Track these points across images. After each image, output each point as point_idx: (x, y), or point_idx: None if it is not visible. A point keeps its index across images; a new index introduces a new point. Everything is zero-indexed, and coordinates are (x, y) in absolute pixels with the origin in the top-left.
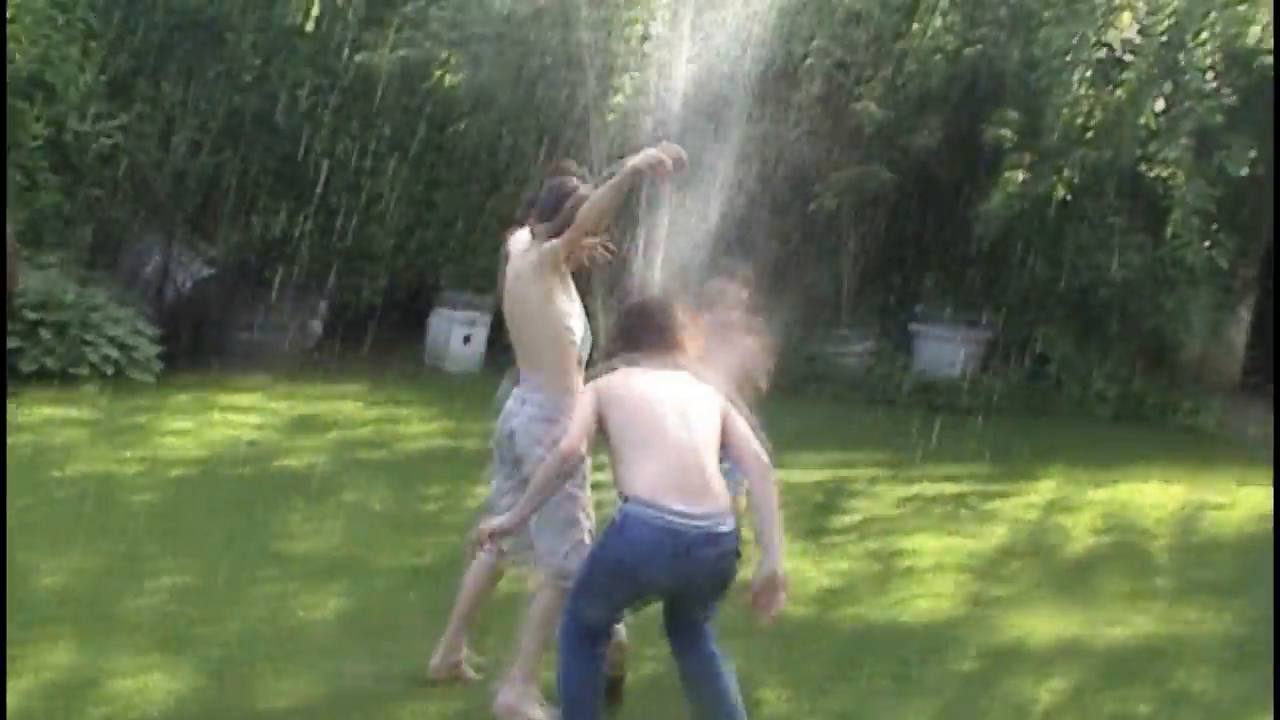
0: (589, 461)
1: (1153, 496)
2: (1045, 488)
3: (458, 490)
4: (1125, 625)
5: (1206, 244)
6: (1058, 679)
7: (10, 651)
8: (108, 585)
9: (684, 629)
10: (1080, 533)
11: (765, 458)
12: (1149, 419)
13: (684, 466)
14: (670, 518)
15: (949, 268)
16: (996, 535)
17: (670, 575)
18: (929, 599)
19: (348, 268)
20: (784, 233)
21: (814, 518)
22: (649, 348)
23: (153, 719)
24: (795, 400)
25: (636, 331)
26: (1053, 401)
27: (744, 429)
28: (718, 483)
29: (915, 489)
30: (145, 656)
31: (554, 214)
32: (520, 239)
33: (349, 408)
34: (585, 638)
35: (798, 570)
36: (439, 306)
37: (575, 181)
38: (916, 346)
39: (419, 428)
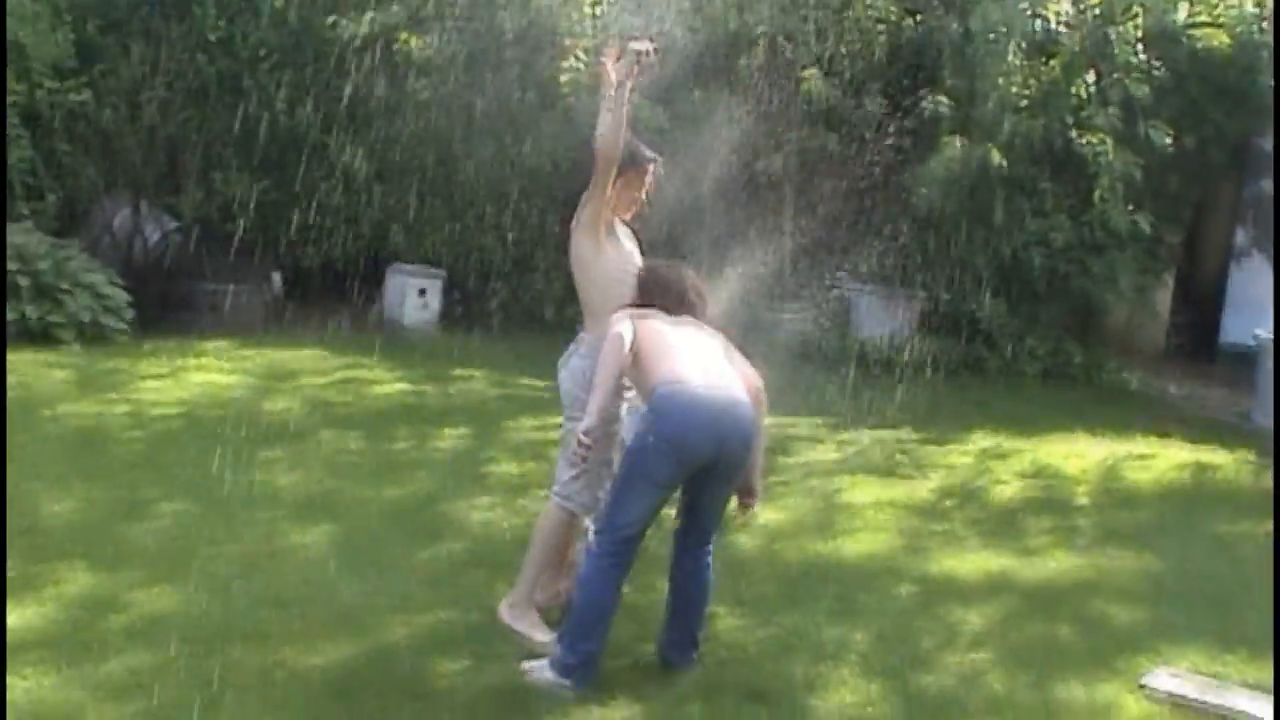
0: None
1: (1078, 448)
2: (977, 440)
3: (423, 438)
4: (1050, 560)
5: (1130, 208)
6: (987, 607)
7: (31, 572)
8: (112, 516)
9: (694, 534)
10: (1009, 479)
11: (762, 393)
12: (1076, 378)
13: (705, 366)
14: (698, 389)
15: (888, 235)
16: (931, 481)
17: (711, 438)
18: (868, 535)
19: (308, 227)
20: (728, 201)
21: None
22: (662, 309)
23: (168, 627)
24: None
25: (652, 295)
26: (986, 362)
27: (746, 366)
28: (735, 375)
29: (854, 442)
30: (155, 576)
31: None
32: None
33: (312, 361)
34: (615, 558)
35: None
36: (397, 264)
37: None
38: (856, 312)
39: (383, 383)
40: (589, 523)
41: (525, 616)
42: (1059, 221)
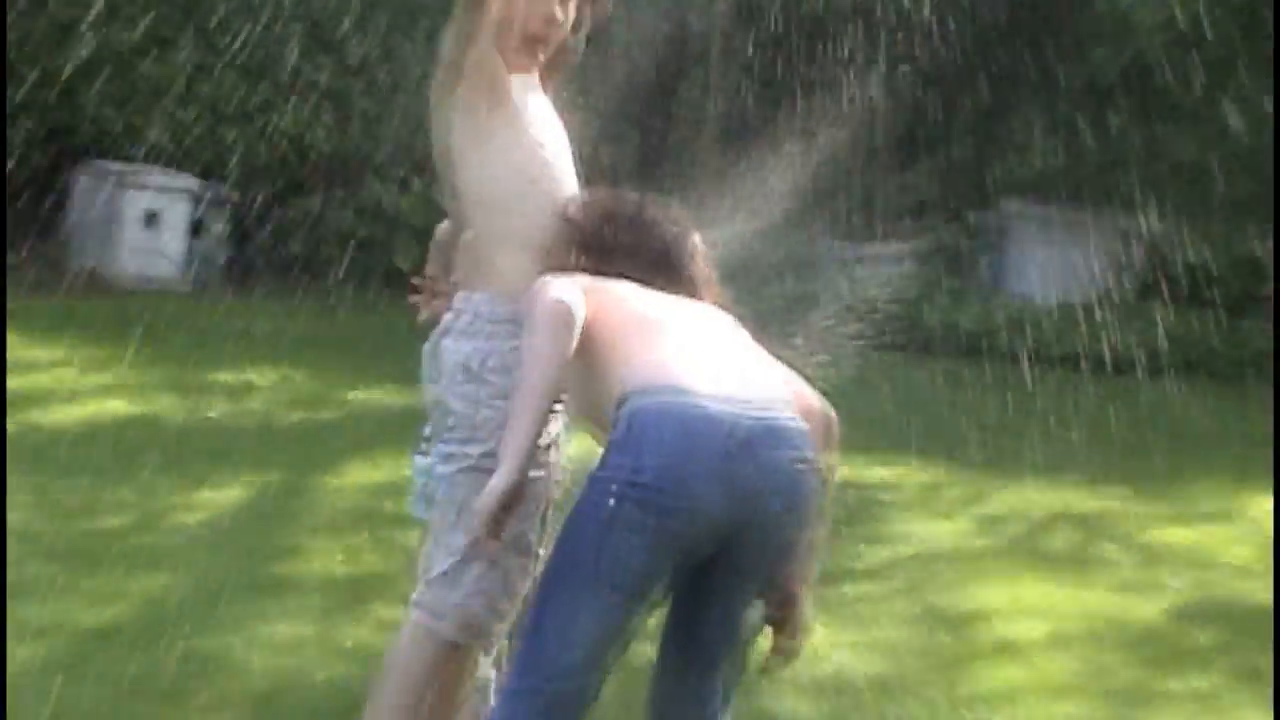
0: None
1: None
2: (1252, 504)
3: (161, 510)
4: None
5: None
6: None
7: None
8: None
9: (693, 679)
10: None
11: (832, 423)
12: None
13: (716, 364)
14: (706, 402)
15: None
16: (1166, 588)
17: (730, 494)
18: (1042, 697)
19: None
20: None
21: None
22: (639, 274)
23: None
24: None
25: (603, 253)
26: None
27: (797, 380)
28: (769, 375)
29: (1008, 510)
30: None
31: None
32: None
33: None
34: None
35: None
36: (98, 160)
37: None
38: (1011, 255)
39: (82, 395)
40: (488, 668)
41: None
42: None
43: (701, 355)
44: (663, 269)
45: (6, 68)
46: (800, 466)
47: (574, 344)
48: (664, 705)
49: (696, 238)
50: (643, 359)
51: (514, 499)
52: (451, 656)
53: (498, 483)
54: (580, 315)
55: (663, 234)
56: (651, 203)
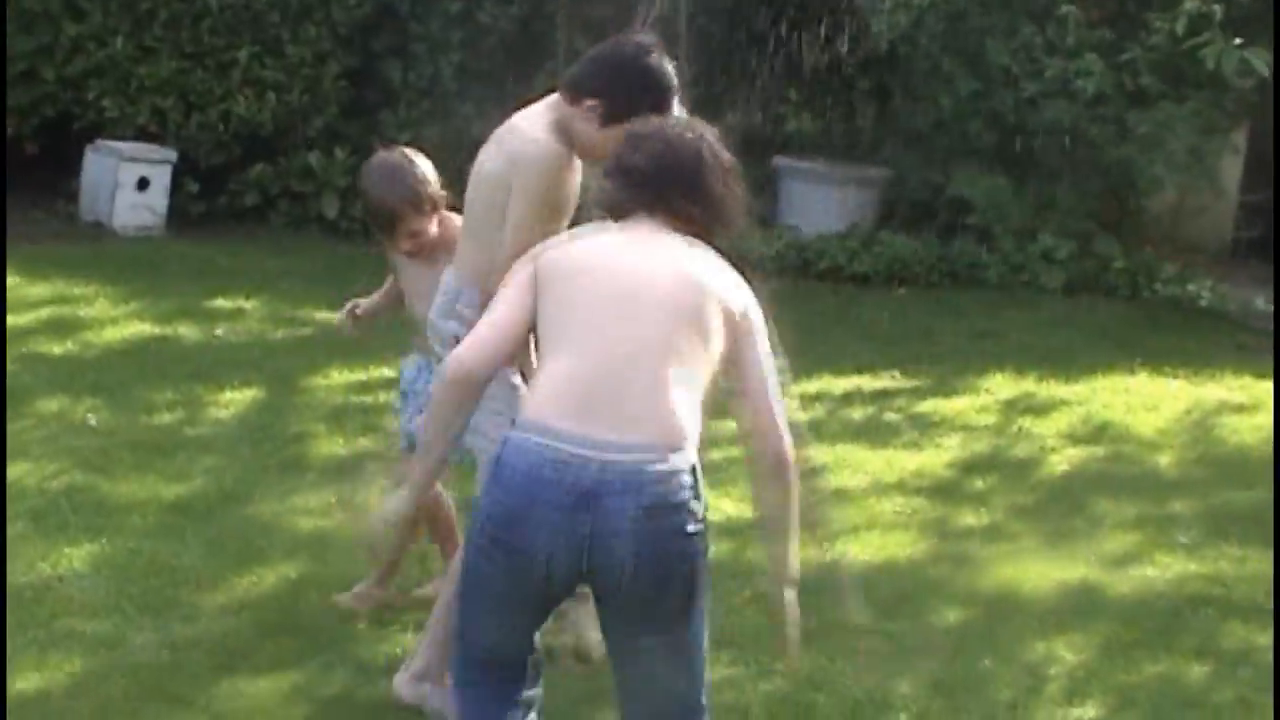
0: None
1: (1145, 395)
2: (996, 386)
3: (195, 405)
4: (1146, 565)
5: (1238, 40)
6: (1076, 636)
7: None
8: None
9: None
10: (1057, 444)
11: (782, 422)
12: (1116, 291)
13: (607, 372)
14: (560, 444)
15: (828, 84)
16: (946, 450)
17: (568, 547)
18: (878, 535)
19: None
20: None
21: None
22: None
23: None
24: None
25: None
26: (983, 270)
27: (764, 360)
28: (668, 405)
29: (819, 385)
30: None
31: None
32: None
33: None
34: (474, 688)
35: None
36: (101, 141)
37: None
38: (784, 193)
39: (114, 320)
40: None
41: (432, 688)
42: (1086, 62)
43: (592, 379)
44: (679, 187)
45: (6, 68)
46: (660, 523)
47: (465, 393)
48: None
49: (711, 153)
50: (538, 378)
51: (403, 520)
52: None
53: (397, 506)
54: (469, 367)
55: (672, 152)
56: (670, 123)
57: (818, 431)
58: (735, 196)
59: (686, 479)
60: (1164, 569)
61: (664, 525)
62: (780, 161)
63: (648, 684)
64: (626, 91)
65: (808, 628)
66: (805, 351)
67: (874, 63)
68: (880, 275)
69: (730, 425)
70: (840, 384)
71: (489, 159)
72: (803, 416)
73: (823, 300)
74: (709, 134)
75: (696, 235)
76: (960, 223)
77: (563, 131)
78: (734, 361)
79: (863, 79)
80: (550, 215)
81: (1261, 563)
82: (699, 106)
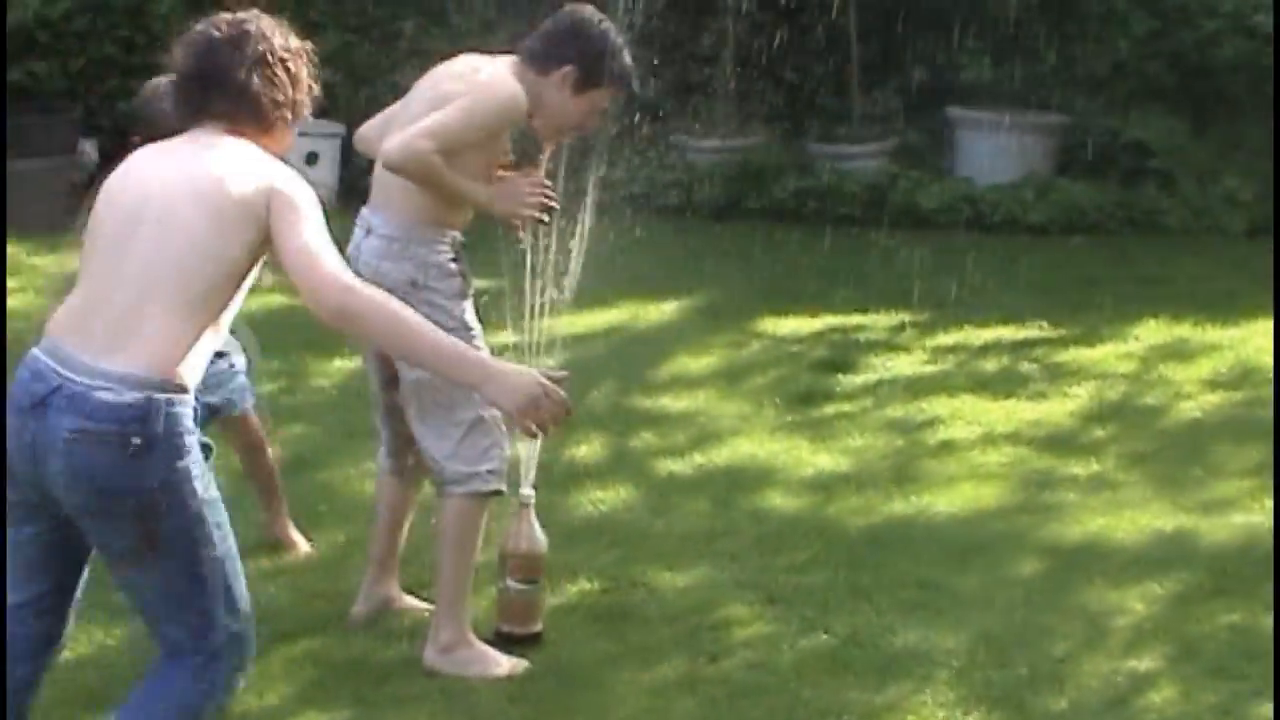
0: None
1: None
2: (1147, 333)
3: (299, 374)
4: (1250, 513)
5: None
6: (1152, 587)
7: None
8: None
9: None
10: (1194, 391)
11: (341, 279)
12: None
13: (101, 300)
14: (44, 357)
15: (997, 31)
16: (1074, 400)
17: (20, 450)
18: (972, 486)
19: (133, 69)
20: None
21: (811, 380)
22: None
23: None
24: (786, 228)
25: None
26: (1160, 212)
27: (303, 231)
28: (155, 339)
29: (957, 337)
30: None
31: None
32: None
33: None
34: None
35: (787, 452)
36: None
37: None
38: (958, 144)
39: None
40: (528, 488)
41: (464, 653)
42: None
43: (89, 306)
44: (212, 89)
45: (6, 67)
46: (80, 444)
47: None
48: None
49: (239, 43)
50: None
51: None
52: (488, 502)
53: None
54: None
55: (199, 49)
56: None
57: (941, 384)
58: (273, 87)
59: (133, 412)
60: (1269, 515)
61: (97, 455)
62: (953, 112)
63: (148, 619)
64: (597, 56)
65: (861, 583)
66: (957, 303)
67: (1049, 6)
68: (1056, 224)
69: (839, 381)
70: (981, 335)
71: (447, 79)
72: (929, 367)
73: (991, 252)
74: (256, 25)
75: (243, 136)
76: (1142, 167)
77: (532, 98)
78: (272, 242)
79: (1039, 23)
80: (476, 144)
81: None
82: (873, 61)
